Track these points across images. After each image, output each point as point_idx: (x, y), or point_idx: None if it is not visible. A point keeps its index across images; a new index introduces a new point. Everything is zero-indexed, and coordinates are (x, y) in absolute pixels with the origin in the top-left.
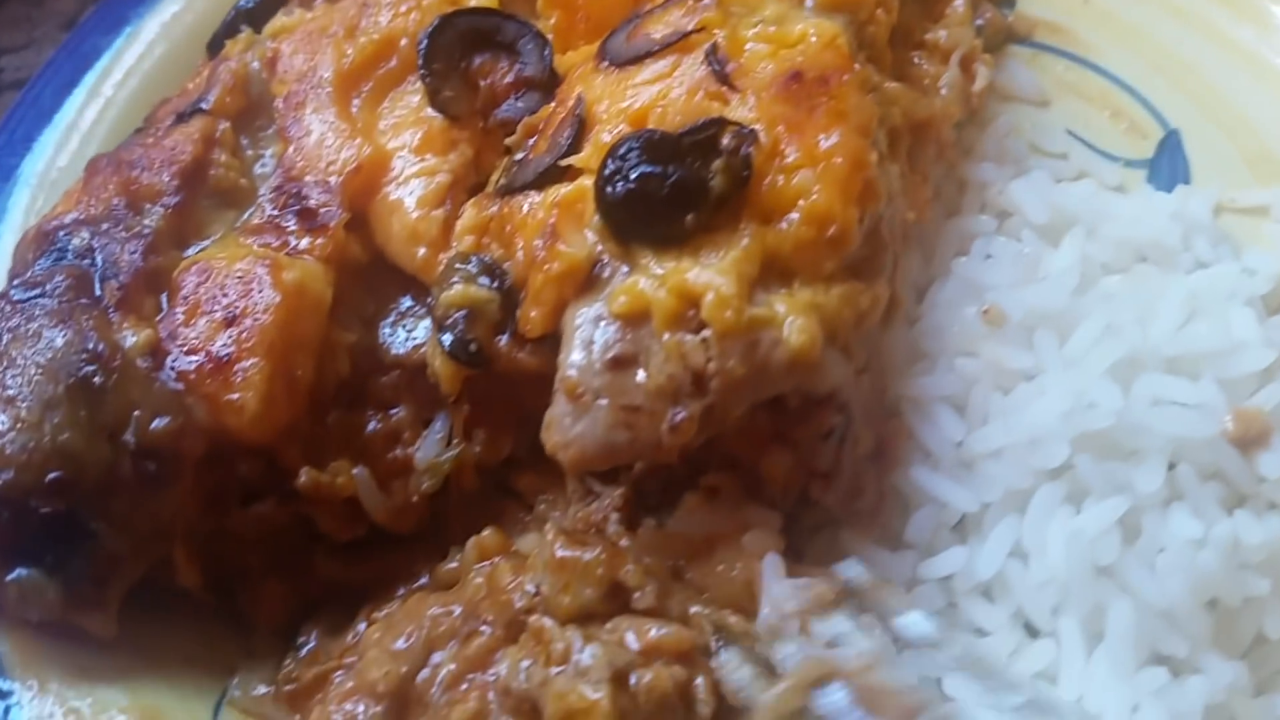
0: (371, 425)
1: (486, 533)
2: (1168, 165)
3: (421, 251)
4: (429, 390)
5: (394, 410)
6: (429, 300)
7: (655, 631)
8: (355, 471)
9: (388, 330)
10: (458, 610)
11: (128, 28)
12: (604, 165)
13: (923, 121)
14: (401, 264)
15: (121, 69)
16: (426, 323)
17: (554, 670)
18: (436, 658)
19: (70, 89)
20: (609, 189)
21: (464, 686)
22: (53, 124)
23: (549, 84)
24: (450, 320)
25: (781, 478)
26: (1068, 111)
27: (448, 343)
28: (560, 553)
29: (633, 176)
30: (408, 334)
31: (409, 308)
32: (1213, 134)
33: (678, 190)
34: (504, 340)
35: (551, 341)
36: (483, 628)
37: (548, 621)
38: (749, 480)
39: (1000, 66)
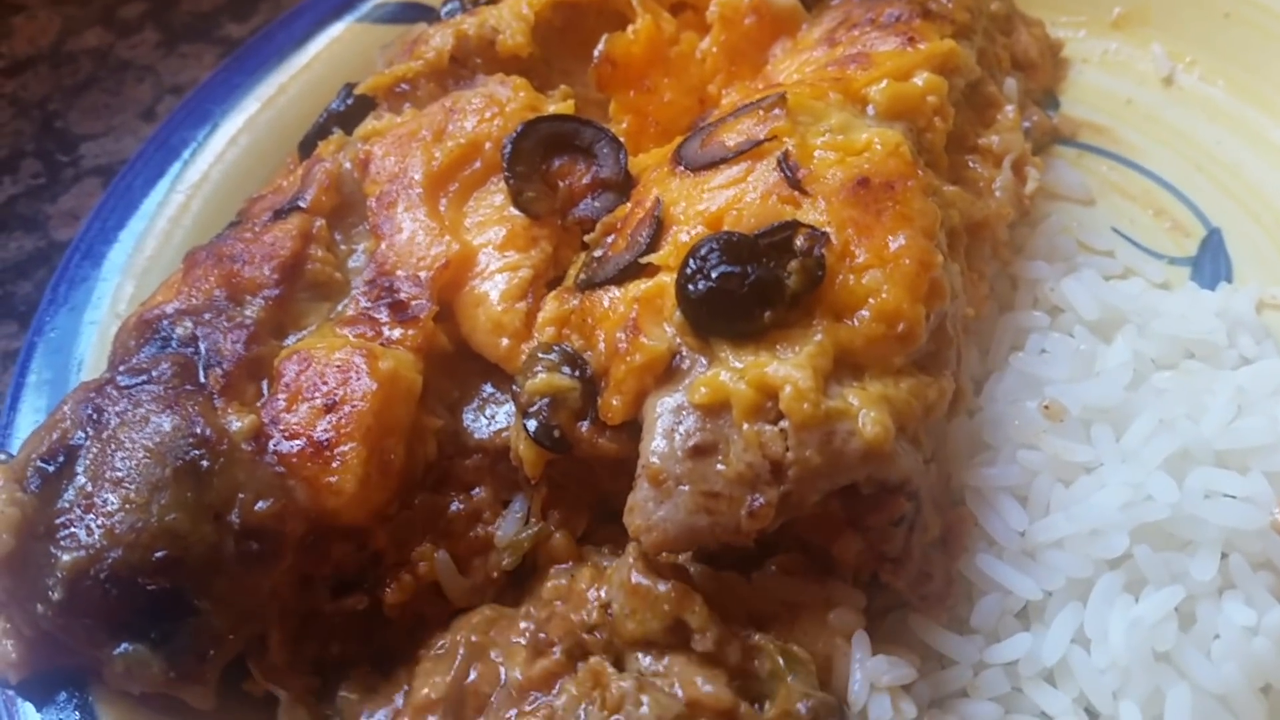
0: (454, 505)
1: (558, 536)
2: (1210, 263)
3: (505, 342)
4: (508, 473)
5: (475, 491)
6: (513, 388)
7: (703, 685)
8: (437, 555)
9: (471, 416)
10: (526, 624)
11: (211, 122)
12: (685, 264)
13: (979, 222)
14: (485, 353)
15: (206, 161)
16: (507, 409)
17: (611, 718)
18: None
19: (158, 180)
20: (690, 287)
21: (529, 704)
22: (141, 213)
23: (624, 185)
24: (535, 407)
25: (852, 562)
26: (1113, 210)
27: (532, 428)
28: (635, 578)
29: (713, 275)
30: (489, 420)
31: (490, 395)
32: (1253, 232)
33: (756, 289)
34: (585, 426)
35: (630, 429)
36: (551, 649)
37: (608, 665)
38: (821, 563)
39: (1047, 166)
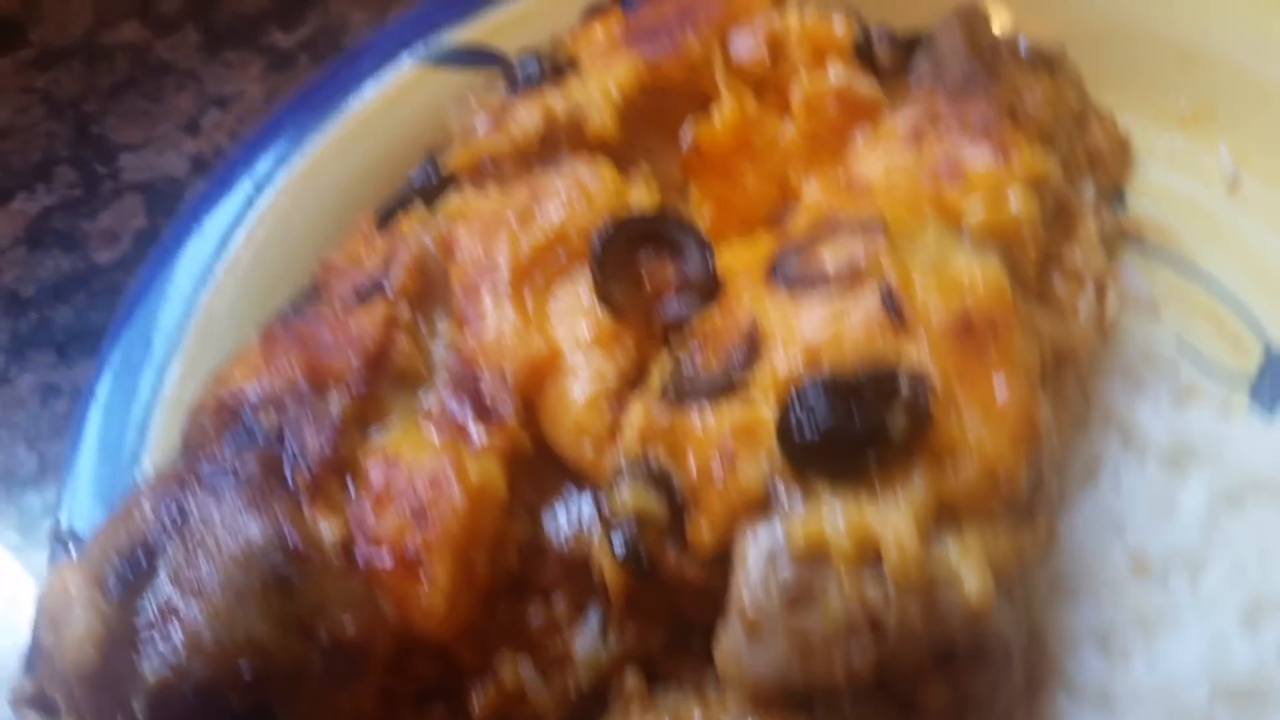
0: (533, 613)
1: (631, 681)
2: (1271, 383)
3: (588, 449)
4: (585, 580)
5: (554, 596)
6: (598, 503)
7: None
8: (523, 671)
9: (550, 521)
10: None
11: (273, 165)
12: (786, 406)
13: (1065, 351)
14: (567, 456)
15: (268, 209)
16: (587, 512)
17: None
18: None
19: (216, 231)
20: (791, 431)
21: None
22: (197, 265)
23: (710, 287)
24: (620, 527)
25: (938, 709)
26: (1177, 320)
27: (618, 549)
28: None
29: (816, 421)
30: (569, 525)
31: (570, 498)
32: None
33: (859, 438)
34: (670, 550)
35: (716, 556)
36: None
37: None
38: (902, 704)
39: (1113, 269)
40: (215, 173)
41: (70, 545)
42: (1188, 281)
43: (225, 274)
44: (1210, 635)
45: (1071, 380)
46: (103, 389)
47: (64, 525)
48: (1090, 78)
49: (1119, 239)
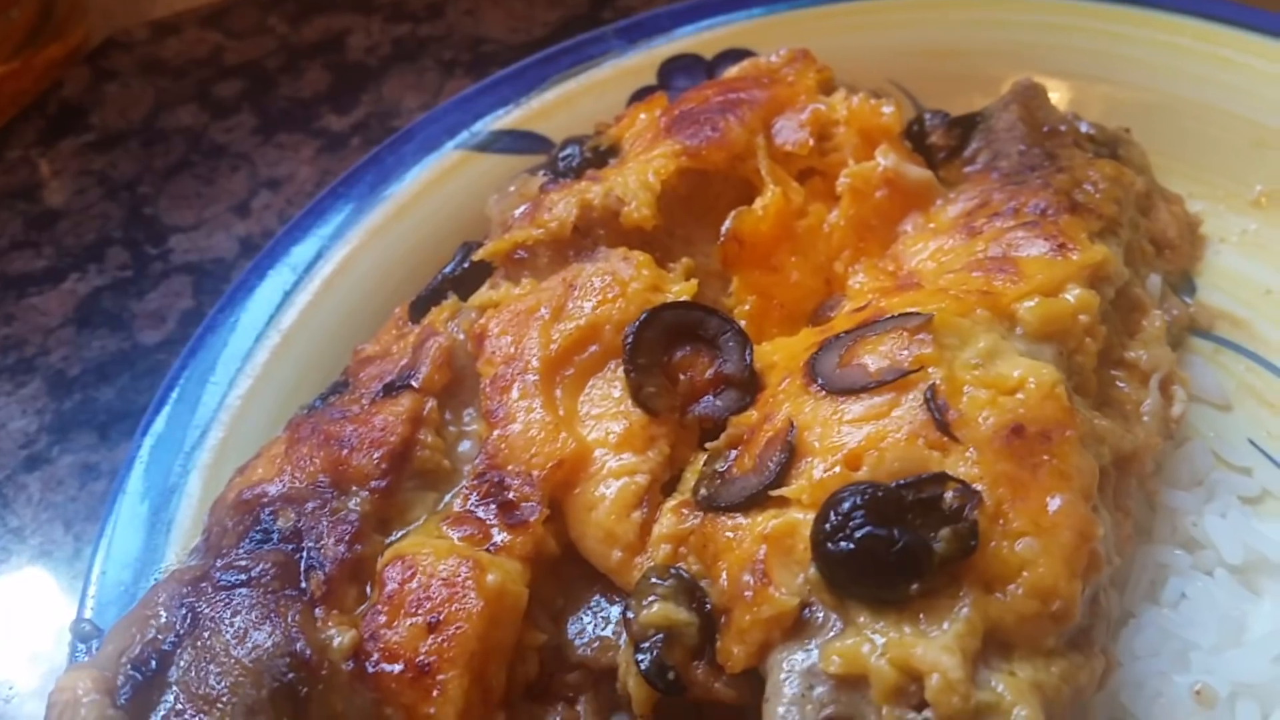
0: None
1: None
2: None
3: (617, 554)
4: (610, 692)
5: (575, 705)
6: (625, 614)
7: None
8: None
9: (574, 628)
10: None
11: (316, 254)
12: (825, 516)
13: (1127, 455)
14: (595, 562)
15: (308, 297)
16: (612, 615)
17: None
18: None
19: (257, 317)
20: (830, 545)
21: None
22: (235, 351)
23: (748, 383)
24: (647, 642)
25: None
26: (1250, 418)
27: (645, 665)
28: None
29: (857, 536)
30: (593, 629)
31: (595, 603)
32: None
33: (903, 557)
34: (699, 666)
35: (748, 674)
36: None
37: None
38: None
39: (1183, 363)
40: (257, 259)
41: (87, 642)
42: (1264, 378)
43: (259, 363)
44: None
45: (1134, 486)
46: (132, 481)
47: (83, 618)
48: (1157, 159)
49: (1187, 330)
